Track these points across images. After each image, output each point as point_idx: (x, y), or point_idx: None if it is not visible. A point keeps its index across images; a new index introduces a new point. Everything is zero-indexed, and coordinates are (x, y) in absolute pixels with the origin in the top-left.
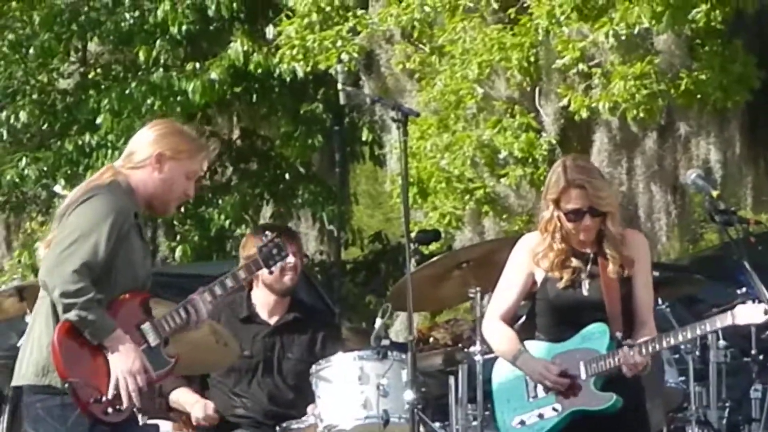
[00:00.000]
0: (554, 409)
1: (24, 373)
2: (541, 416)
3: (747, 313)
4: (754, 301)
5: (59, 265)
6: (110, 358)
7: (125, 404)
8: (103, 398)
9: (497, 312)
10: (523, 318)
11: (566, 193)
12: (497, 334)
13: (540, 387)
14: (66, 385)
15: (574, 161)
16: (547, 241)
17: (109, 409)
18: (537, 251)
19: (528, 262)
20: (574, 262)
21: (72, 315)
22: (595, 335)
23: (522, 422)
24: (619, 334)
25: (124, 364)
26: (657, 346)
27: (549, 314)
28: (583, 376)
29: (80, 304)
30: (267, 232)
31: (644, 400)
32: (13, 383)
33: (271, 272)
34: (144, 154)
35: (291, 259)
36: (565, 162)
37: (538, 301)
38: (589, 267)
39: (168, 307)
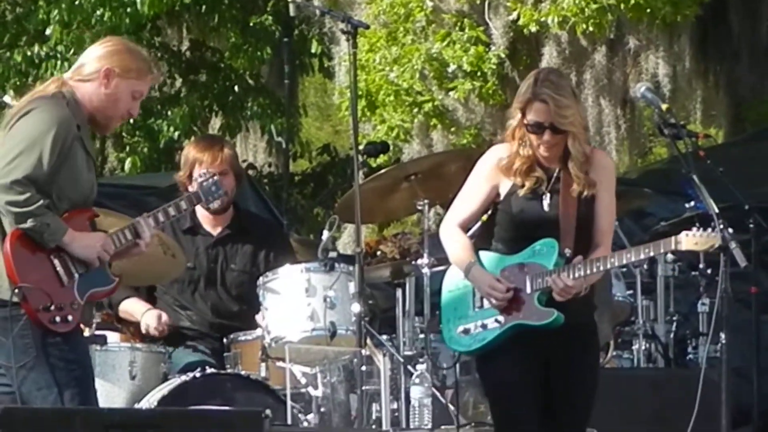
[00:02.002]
0: (497, 321)
1: None
2: (484, 327)
3: (691, 241)
4: (699, 228)
5: (2, 177)
6: (74, 251)
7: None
8: (52, 306)
9: (456, 219)
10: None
11: (530, 105)
12: (452, 241)
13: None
14: (16, 291)
15: (548, 75)
16: (514, 148)
17: (57, 318)
18: (503, 159)
19: (493, 173)
20: (538, 171)
21: (28, 224)
22: (544, 250)
23: (465, 331)
24: (568, 251)
25: (88, 248)
26: (601, 267)
27: (507, 226)
28: (528, 290)
29: (33, 210)
30: (208, 169)
31: (592, 318)
32: None
33: (209, 209)
34: (92, 68)
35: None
36: (538, 74)
37: (499, 212)
38: (551, 182)
39: (117, 218)
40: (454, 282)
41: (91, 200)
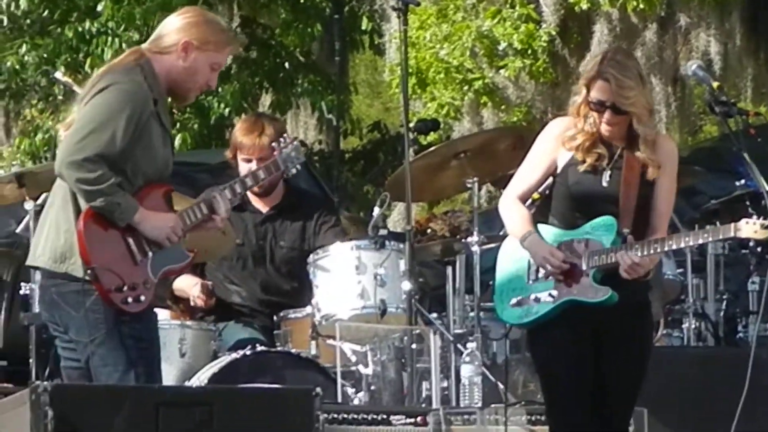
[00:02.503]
0: (550, 295)
1: (40, 256)
2: (537, 300)
3: (750, 229)
4: (760, 217)
5: (74, 154)
6: (144, 231)
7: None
8: (125, 287)
9: (515, 191)
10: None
11: (594, 83)
12: (511, 212)
13: (541, 272)
14: (89, 272)
15: (615, 54)
16: (579, 125)
17: (129, 299)
18: (567, 132)
19: (554, 145)
20: (601, 148)
21: (98, 202)
22: (603, 228)
23: (518, 303)
24: (626, 231)
25: (159, 229)
26: (659, 248)
27: (565, 200)
28: (584, 266)
29: (104, 189)
30: (285, 135)
31: (647, 300)
32: (29, 263)
33: (288, 175)
34: (171, 41)
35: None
36: (606, 53)
37: (557, 185)
38: (614, 159)
39: (178, 197)
40: (510, 254)
41: (166, 175)
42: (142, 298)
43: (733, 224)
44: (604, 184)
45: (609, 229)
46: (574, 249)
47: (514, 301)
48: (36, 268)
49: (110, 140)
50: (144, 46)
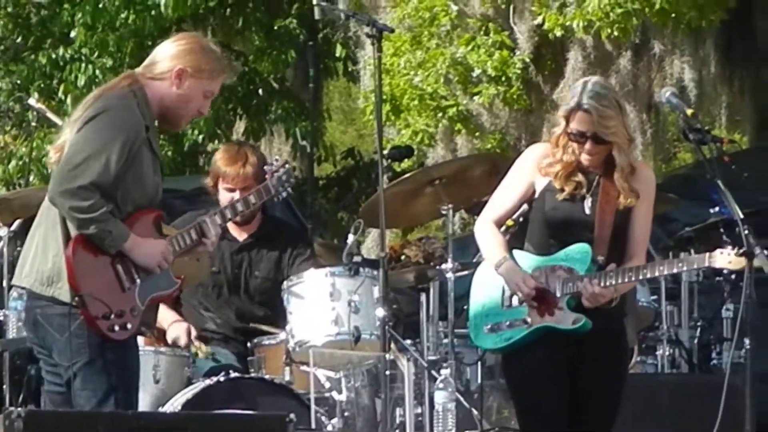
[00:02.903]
0: (524, 321)
1: (26, 276)
2: (511, 326)
3: (724, 260)
4: (733, 247)
5: (69, 182)
6: (135, 258)
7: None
8: (111, 315)
9: (491, 216)
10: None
11: (574, 114)
12: (487, 237)
13: (515, 298)
14: (76, 299)
15: (594, 85)
16: (558, 155)
17: (116, 326)
18: (545, 160)
19: (531, 170)
20: (579, 176)
21: (90, 230)
22: (578, 255)
23: (492, 329)
24: (601, 258)
25: (150, 256)
26: (633, 277)
27: (540, 226)
28: (558, 293)
29: (96, 217)
30: (276, 158)
31: (622, 327)
32: (14, 282)
33: (278, 199)
34: (165, 67)
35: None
36: (585, 83)
37: (533, 211)
38: (593, 186)
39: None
40: (484, 280)
41: (156, 201)
42: (129, 325)
43: (707, 254)
44: (587, 211)
45: (584, 257)
46: (549, 276)
47: (488, 326)
48: (22, 288)
49: (104, 168)
50: (137, 70)
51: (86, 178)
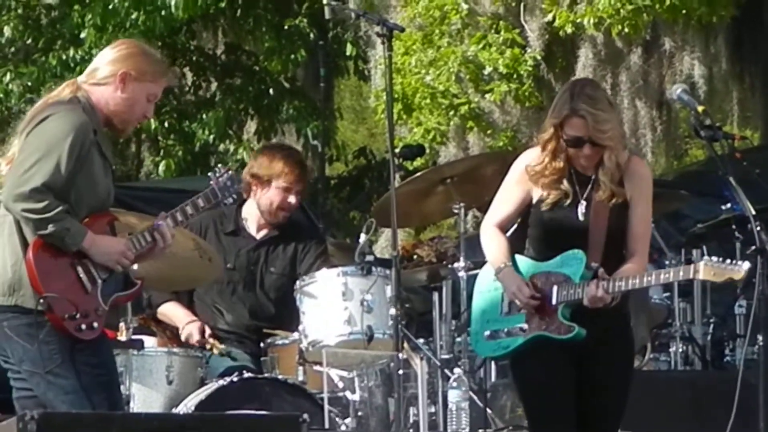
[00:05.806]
0: (521, 330)
1: None
2: (509, 333)
3: (709, 272)
4: (721, 259)
5: (21, 185)
6: (95, 256)
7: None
8: (77, 314)
9: (493, 220)
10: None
11: (568, 120)
12: (490, 240)
13: (514, 305)
14: (41, 301)
15: (583, 88)
16: (545, 161)
17: (83, 326)
18: (532, 168)
19: (525, 177)
20: (565, 184)
21: (48, 229)
22: (573, 261)
23: (491, 336)
24: (595, 265)
25: (109, 254)
26: (623, 287)
27: (538, 231)
28: (554, 301)
29: (52, 217)
30: (219, 166)
31: (624, 324)
32: None
33: (224, 204)
34: (107, 72)
35: (293, 200)
36: (574, 87)
37: (532, 215)
38: (587, 190)
39: (138, 218)
40: (484, 284)
41: (108, 205)
42: (95, 325)
43: (692, 266)
44: (580, 217)
45: (578, 263)
46: (545, 282)
47: (487, 333)
48: None
49: (55, 169)
50: (80, 79)
51: (38, 180)
